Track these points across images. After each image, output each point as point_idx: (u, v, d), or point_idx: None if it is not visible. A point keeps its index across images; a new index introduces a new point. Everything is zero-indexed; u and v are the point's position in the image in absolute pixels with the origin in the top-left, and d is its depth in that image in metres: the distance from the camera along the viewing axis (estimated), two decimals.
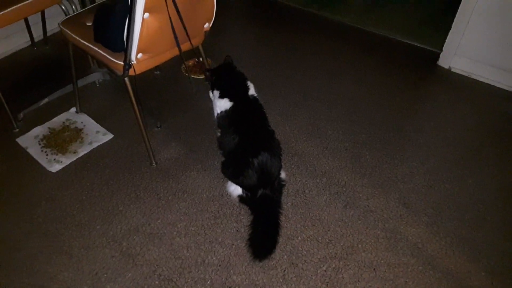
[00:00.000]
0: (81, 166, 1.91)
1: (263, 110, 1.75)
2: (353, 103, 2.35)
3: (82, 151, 1.97)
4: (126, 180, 1.86)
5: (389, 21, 3.13)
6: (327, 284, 1.50)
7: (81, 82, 2.20)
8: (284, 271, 1.54)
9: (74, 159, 1.94)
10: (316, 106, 2.31)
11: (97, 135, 2.06)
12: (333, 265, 1.57)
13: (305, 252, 1.61)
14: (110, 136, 2.06)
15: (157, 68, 2.50)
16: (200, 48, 1.97)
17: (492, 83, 2.47)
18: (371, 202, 1.81)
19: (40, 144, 1.98)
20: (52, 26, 2.67)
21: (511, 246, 1.65)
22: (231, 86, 1.76)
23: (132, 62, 1.58)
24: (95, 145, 2.01)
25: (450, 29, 2.49)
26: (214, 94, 1.76)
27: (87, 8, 1.88)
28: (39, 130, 2.06)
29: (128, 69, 1.60)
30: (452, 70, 2.60)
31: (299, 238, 1.66)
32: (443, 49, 2.59)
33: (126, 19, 1.46)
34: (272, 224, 1.64)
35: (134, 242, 1.61)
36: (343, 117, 2.25)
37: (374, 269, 1.56)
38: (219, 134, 1.82)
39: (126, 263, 1.54)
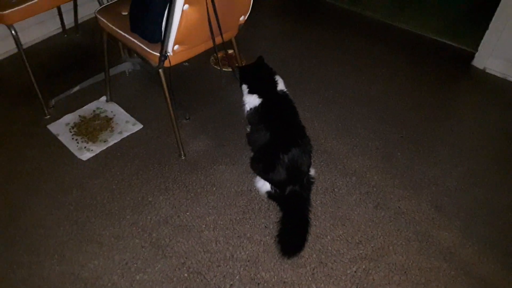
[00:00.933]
0: (111, 155, 1.92)
1: (294, 105, 1.72)
2: (384, 101, 2.31)
3: (112, 140, 1.98)
4: (155, 171, 1.86)
5: (422, 18, 3.05)
6: (357, 285, 1.48)
7: (111, 72, 2.20)
8: (314, 269, 1.53)
9: (104, 148, 1.95)
10: (346, 103, 2.27)
11: (127, 124, 2.07)
12: (363, 266, 1.54)
13: (335, 252, 1.59)
14: (139, 126, 2.06)
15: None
16: (233, 41, 1.95)
17: None
18: (403, 203, 1.77)
19: (71, 132, 2.00)
20: (83, 14, 2.68)
21: None
22: (259, 82, 1.74)
23: (169, 54, 1.57)
24: (125, 134, 2.01)
25: (487, 28, 2.41)
26: (243, 90, 1.73)
27: None
28: (70, 118, 2.07)
29: (163, 61, 1.59)
30: (487, 71, 2.52)
31: (329, 237, 1.64)
32: (478, 49, 2.51)
33: (165, 10, 1.44)
34: (302, 222, 1.62)
35: (164, 233, 1.62)
36: (373, 115, 2.21)
37: (405, 272, 1.53)
38: (248, 130, 1.81)
39: (156, 254, 1.55)
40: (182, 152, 1.92)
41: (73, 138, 1.97)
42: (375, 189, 1.83)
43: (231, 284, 1.47)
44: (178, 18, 1.43)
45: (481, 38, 2.47)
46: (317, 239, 1.62)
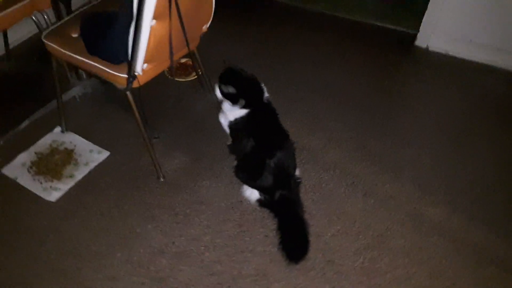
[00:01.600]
0: (82, 191, 1.76)
1: (274, 109, 1.69)
2: (343, 91, 2.36)
3: (80, 174, 1.82)
4: (136, 199, 1.74)
5: (361, 6, 3.16)
6: (368, 276, 1.51)
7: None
8: (323, 269, 1.52)
9: (73, 184, 1.78)
10: (310, 98, 2.29)
11: (91, 154, 1.91)
12: (369, 256, 1.57)
13: (338, 247, 1.60)
14: (106, 153, 1.92)
15: None
16: (196, 51, 1.87)
17: (469, 58, 2.58)
18: (388, 187, 1.83)
19: (30, 172, 1.80)
20: (13, 39, 2.42)
21: None
22: (246, 92, 1.67)
23: (137, 74, 1.46)
24: (92, 165, 1.86)
25: (427, 8, 2.55)
26: (225, 102, 1.65)
27: (68, 18, 1.71)
28: (25, 157, 1.87)
29: (132, 82, 1.48)
30: (430, 49, 2.68)
31: (329, 234, 1.64)
32: (420, 29, 2.66)
33: (129, 28, 1.34)
34: (299, 224, 1.61)
35: (162, 264, 1.52)
36: (337, 106, 2.25)
37: (408, 254, 1.58)
38: (229, 142, 1.76)
39: None
40: (160, 174, 1.81)
41: (34, 179, 1.77)
42: (359, 179, 1.86)
43: None
44: (147, 35, 1.33)
45: (421, 19, 2.62)
46: (318, 238, 1.62)
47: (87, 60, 1.52)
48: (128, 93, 1.56)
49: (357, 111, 2.21)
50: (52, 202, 1.71)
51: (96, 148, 1.94)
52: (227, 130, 1.72)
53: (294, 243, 1.58)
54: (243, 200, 1.75)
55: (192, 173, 1.86)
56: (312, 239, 1.59)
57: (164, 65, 1.62)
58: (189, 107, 2.21)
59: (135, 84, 1.51)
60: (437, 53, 2.66)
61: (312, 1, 3.15)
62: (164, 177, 1.82)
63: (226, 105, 1.62)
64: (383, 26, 2.91)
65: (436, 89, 2.42)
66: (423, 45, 2.69)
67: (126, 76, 1.47)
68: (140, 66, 1.43)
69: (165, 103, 2.23)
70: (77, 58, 1.54)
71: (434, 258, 1.57)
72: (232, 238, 1.61)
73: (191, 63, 2.45)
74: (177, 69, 2.45)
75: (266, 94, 1.64)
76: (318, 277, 1.50)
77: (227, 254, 1.56)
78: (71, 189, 1.76)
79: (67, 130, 2.00)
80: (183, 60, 2.48)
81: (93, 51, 1.50)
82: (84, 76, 2.16)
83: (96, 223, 1.65)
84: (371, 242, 1.62)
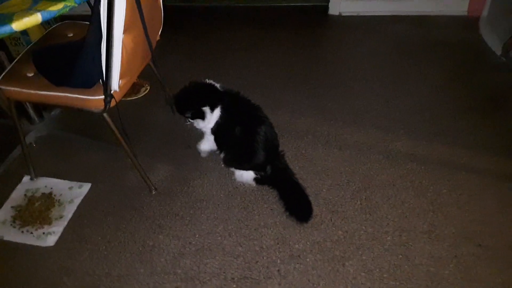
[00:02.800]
0: (78, 226, 1.72)
1: (238, 92, 1.80)
2: (284, 69, 2.55)
3: (69, 212, 1.77)
4: (136, 217, 1.74)
5: None
6: (369, 214, 1.69)
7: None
8: (331, 220, 1.68)
9: (65, 223, 1.73)
10: (259, 82, 2.44)
11: (72, 190, 1.86)
12: (364, 197, 1.76)
13: (336, 198, 1.76)
14: (87, 185, 1.88)
15: None
16: (151, 63, 1.91)
17: (378, 14, 2.91)
18: (356, 137, 2.04)
19: (15, 227, 1.71)
20: None
21: (466, 123, 2.06)
22: (210, 97, 1.74)
23: (114, 91, 1.48)
24: (77, 200, 1.81)
25: None
26: (206, 113, 1.71)
27: (17, 59, 1.65)
28: (3, 215, 1.76)
29: (110, 101, 1.50)
30: (343, 14, 2.97)
31: (324, 190, 1.80)
32: None
33: (100, 46, 1.36)
34: (297, 188, 1.75)
35: (187, 265, 1.56)
36: (286, 83, 2.43)
37: (393, 184, 1.80)
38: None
39: (194, 286, 1.49)
40: (152, 187, 1.83)
41: (23, 231, 1.69)
42: (330, 137, 2.05)
43: (278, 270, 1.52)
44: (120, 49, 1.37)
45: None
46: (317, 196, 1.77)
47: (55, 93, 1.50)
48: (105, 115, 1.57)
49: (303, 82, 2.42)
50: (52, 246, 1.65)
51: (74, 184, 1.89)
52: (210, 137, 1.81)
53: (298, 205, 1.71)
54: (238, 186, 1.84)
55: (181, 177, 1.90)
56: (311, 198, 1.74)
57: (134, 78, 1.65)
58: (153, 120, 2.23)
59: (112, 104, 1.53)
60: (350, 16, 2.97)
61: None
62: (156, 189, 1.84)
63: (201, 122, 1.71)
64: (297, 5, 3.15)
65: (358, 45, 2.73)
66: (336, 12, 2.97)
67: (102, 97, 1.48)
68: (116, 82, 1.46)
69: (127, 124, 2.22)
70: (43, 94, 1.51)
71: (415, 181, 1.81)
72: (243, 221, 1.70)
73: (136, 81, 2.46)
74: None
75: (217, 85, 1.75)
76: (330, 227, 1.65)
77: (243, 236, 1.64)
78: (65, 229, 1.71)
79: (36, 176, 1.92)
80: None
81: (61, 82, 1.48)
82: (36, 119, 2.08)
83: (106, 251, 1.63)
84: (361, 185, 1.81)
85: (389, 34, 2.80)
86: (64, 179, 1.91)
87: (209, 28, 3.01)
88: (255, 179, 1.79)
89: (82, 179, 1.91)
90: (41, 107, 2.13)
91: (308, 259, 1.55)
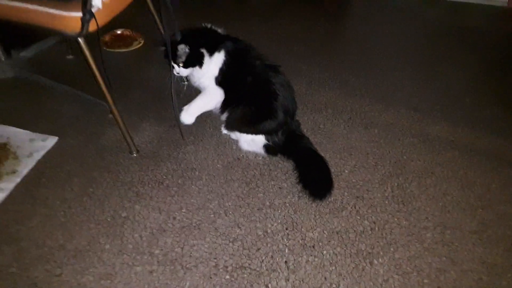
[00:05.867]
0: (34, 185, 1.35)
1: (240, 39, 1.47)
2: (301, 39, 2.22)
3: (24, 168, 1.40)
4: (109, 181, 1.38)
5: None
6: (403, 204, 1.34)
7: None
8: (354, 206, 1.33)
9: (18, 180, 1.36)
10: (279, 49, 2.11)
11: (33, 143, 1.49)
12: (395, 183, 1.41)
13: (361, 182, 1.42)
14: (54, 139, 1.51)
15: (69, 51, 1.96)
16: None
17: None
18: (386, 116, 1.71)
19: None
20: None
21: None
22: (209, 39, 1.43)
23: (97, 8, 1.13)
24: (38, 155, 1.44)
25: None
26: (205, 58, 1.39)
27: None
28: None
29: (89, 21, 1.14)
30: None
31: (346, 171, 1.46)
32: None
33: None
34: (316, 157, 1.41)
35: (169, 244, 1.19)
36: (305, 52, 2.11)
37: (432, 173, 1.46)
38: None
39: (174, 272, 1.13)
40: (133, 148, 1.46)
41: None
42: (354, 113, 1.72)
43: (286, 261, 1.16)
44: None
45: None
46: (337, 177, 1.42)
47: (24, 5, 1.14)
48: (81, 41, 1.21)
49: (322, 55, 2.11)
50: None
51: (37, 136, 1.52)
52: (213, 90, 1.46)
53: (316, 177, 1.37)
54: (241, 157, 1.49)
55: (171, 141, 1.55)
56: None
57: (123, 2, 1.30)
58: (143, 76, 1.88)
59: (92, 27, 1.17)
60: None
61: None
62: (138, 151, 1.48)
63: (198, 71, 1.40)
64: None
65: (385, 25, 2.44)
66: None
67: (80, 14, 1.13)
68: None
69: (112, 76, 1.86)
70: (9, 5, 1.15)
71: (458, 171, 1.47)
72: (244, 197, 1.34)
73: (129, 33, 2.11)
74: (114, 40, 2.10)
75: (219, 29, 1.42)
76: (353, 216, 1.30)
77: (243, 215, 1.29)
78: (17, 187, 1.34)
79: None
80: (119, 31, 2.13)
81: None
82: (1, 56, 1.71)
83: (64, 218, 1.26)
84: (391, 169, 1.47)
85: (420, 17, 2.51)
86: (26, 128, 1.54)
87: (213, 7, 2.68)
88: (266, 147, 1.44)
89: (48, 131, 1.55)
90: (10, 44, 1.76)
91: (325, 251, 1.19)
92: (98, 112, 1.64)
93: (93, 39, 1.26)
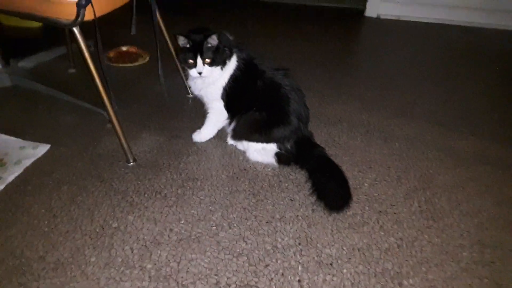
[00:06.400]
0: (18, 193, 1.22)
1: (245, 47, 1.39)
2: (314, 58, 2.15)
3: (10, 175, 1.27)
4: (101, 189, 1.24)
5: None
6: (433, 220, 1.18)
7: None
8: (377, 222, 1.16)
9: (2, 187, 1.23)
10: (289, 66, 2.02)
11: (23, 151, 1.37)
12: (423, 198, 1.25)
13: (384, 196, 1.26)
14: (45, 147, 1.40)
15: (71, 64, 1.89)
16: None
17: (423, 20, 2.55)
18: (406, 129, 1.57)
19: None
20: None
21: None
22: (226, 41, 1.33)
23: None
24: (27, 162, 1.32)
25: None
26: (210, 74, 1.29)
27: None
28: None
29: (85, 6, 1.06)
30: (382, 17, 2.61)
31: (366, 184, 1.30)
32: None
33: None
34: (331, 166, 1.26)
35: (163, 258, 1.03)
36: (316, 69, 2.02)
37: (463, 188, 1.30)
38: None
39: None
40: (130, 156, 1.34)
41: None
42: (372, 126, 1.59)
43: (299, 280, 0.99)
44: None
45: None
46: (356, 191, 1.27)
47: None
48: (76, 31, 1.12)
49: (335, 72, 2.03)
50: None
51: (28, 143, 1.41)
52: (218, 105, 1.36)
53: (332, 188, 1.21)
54: (248, 168, 1.35)
55: (172, 151, 1.42)
56: None
57: None
58: (146, 90, 1.79)
59: (88, 15, 1.09)
60: (390, 20, 2.61)
61: None
62: (135, 160, 1.35)
63: (216, 73, 1.28)
64: (331, 6, 2.83)
65: (399, 46, 2.37)
66: (374, 15, 2.62)
67: (75, 0, 1.05)
68: None
69: (115, 88, 1.77)
70: None
71: (492, 187, 1.31)
72: (250, 210, 1.19)
73: (135, 50, 2.06)
74: (120, 56, 2.04)
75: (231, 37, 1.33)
76: (376, 231, 1.13)
77: (249, 229, 1.13)
78: (0, 194, 1.21)
79: None
80: (124, 48, 2.07)
81: None
82: (0, 65, 1.64)
83: (48, 228, 1.11)
84: (417, 184, 1.31)
85: (434, 39, 2.45)
86: (17, 137, 1.43)
87: (234, 19, 2.65)
88: (277, 155, 1.30)
89: (42, 140, 1.44)
90: (9, 53, 1.70)
91: (345, 270, 1.02)
92: (96, 122, 1.54)
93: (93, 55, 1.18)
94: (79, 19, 1.07)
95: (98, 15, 1.11)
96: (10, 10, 1.12)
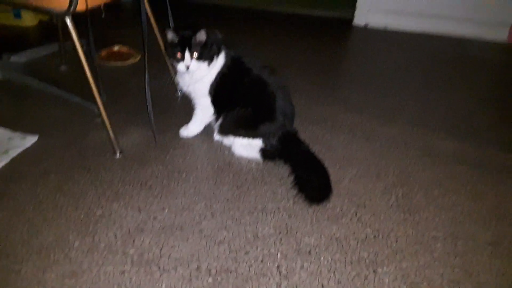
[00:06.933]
0: (3, 180, 1.24)
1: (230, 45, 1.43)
2: (301, 62, 2.20)
3: None
4: (87, 179, 1.26)
5: None
6: (409, 213, 1.22)
7: None
8: (356, 215, 1.20)
9: None
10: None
11: (11, 141, 1.40)
12: (400, 193, 1.29)
13: (363, 190, 1.30)
14: (33, 137, 1.42)
15: (62, 61, 1.92)
16: None
17: (410, 30, 2.63)
18: (388, 130, 1.62)
19: None
20: None
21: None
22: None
23: None
24: (14, 153, 1.35)
25: None
26: (198, 69, 1.32)
27: None
28: None
29: None
30: (369, 26, 2.69)
31: (346, 179, 1.34)
32: (356, 7, 2.67)
33: None
34: (314, 161, 1.31)
35: (146, 244, 1.06)
36: (304, 73, 2.08)
37: (440, 184, 1.35)
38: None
39: (149, 273, 0.98)
40: (117, 148, 1.37)
41: None
42: (354, 126, 1.64)
43: (278, 266, 1.02)
44: None
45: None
46: (337, 185, 1.31)
47: None
48: (68, 20, 1.15)
49: (321, 75, 2.09)
50: None
51: (17, 134, 1.43)
52: (205, 100, 1.40)
53: (313, 181, 1.26)
54: (233, 162, 1.39)
55: (159, 145, 1.45)
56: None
57: None
58: (135, 87, 1.83)
59: (81, 5, 1.13)
60: (377, 29, 2.68)
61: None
62: (122, 152, 1.38)
63: (204, 68, 1.31)
64: (322, 16, 2.90)
65: (385, 54, 2.44)
66: (362, 24, 2.69)
67: None
68: None
69: (105, 85, 1.80)
70: None
71: (468, 184, 1.35)
72: (233, 201, 1.22)
73: (126, 50, 2.10)
74: (111, 56, 2.07)
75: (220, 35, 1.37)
76: (354, 223, 1.17)
77: (232, 218, 1.16)
78: None
79: None
80: (116, 47, 2.11)
81: None
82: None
83: (32, 213, 1.13)
84: (395, 180, 1.35)
85: (421, 48, 2.52)
86: (5, 127, 1.46)
87: (225, 25, 2.71)
88: (262, 151, 1.34)
89: (30, 131, 1.46)
90: (3, 47, 1.73)
91: (322, 258, 1.05)
92: (85, 116, 1.57)
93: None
94: (72, 8, 1.11)
95: (90, 6, 1.15)
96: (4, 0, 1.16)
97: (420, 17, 2.57)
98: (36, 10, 1.14)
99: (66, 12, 1.11)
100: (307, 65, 2.21)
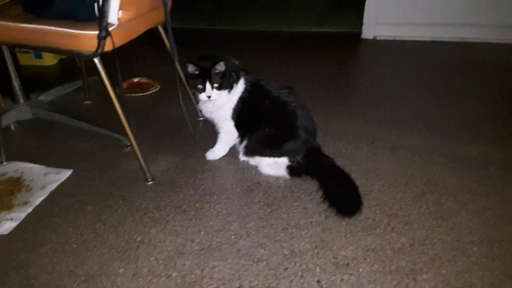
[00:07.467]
0: (45, 215, 1.28)
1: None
2: (315, 80, 2.25)
3: (37, 199, 1.34)
4: (123, 208, 1.31)
5: (299, 17, 3.22)
6: (442, 219, 1.23)
7: None
8: (388, 225, 1.22)
9: (30, 209, 1.30)
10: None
11: (47, 176, 1.45)
12: (430, 201, 1.31)
13: (393, 200, 1.31)
14: (68, 171, 1.47)
15: (86, 96, 2.00)
16: (161, 29, 1.61)
17: (417, 39, 2.67)
18: (410, 140, 1.65)
19: None
20: None
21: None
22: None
23: (112, 27, 1.16)
24: (51, 187, 1.40)
25: (364, 2, 2.65)
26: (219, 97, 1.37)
27: None
28: None
29: (105, 38, 1.16)
30: (378, 38, 2.74)
31: (374, 191, 1.36)
32: (363, 21, 2.72)
33: None
34: (341, 174, 1.34)
35: (187, 267, 1.09)
36: (318, 90, 2.12)
37: (468, 189, 1.36)
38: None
39: None
40: (148, 175, 1.41)
41: None
42: (376, 138, 1.66)
43: (318, 280, 1.04)
44: None
45: (362, 13, 2.70)
46: (367, 197, 1.33)
47: (38, 26, 1.18)
48: (97, 62, 1.22)
49: (336, 90, 2.12)
50: (5, 235, 1.20)
51: (52, 169, 1.49)
52: (228, 124, 1.46)
53: (343, 194, 1.28)
54: (261, 181, 1.42)
55: (187, 169, 1.49)
56: None
57: (142, 24, 1.33)
58: (158, 116, 1.89)
59: (108, 46, 1.19)
60: (385, 40, 2.73)
61: (251, 23, 3.15)
62: (153, 179, 1.43)
63: (225, 96, 1.37)
64: (328, 31, 2.96)
65: (397, 64, 2.47)
66: (370, 37, 2.74)
67: (95, 33, 1.15)
68: (115, 12, 1.14)
69: (130, 115, 1.86)
70: (23, 28, 1.19)
71: (496, 187, 1.36)
72: (266, 219, 1.25)
73: (146, 80, 2.17)
74: (131, 87, 2.14)
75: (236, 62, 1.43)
76: (388, 233, 1.18)
77: (267, 236, 1.18)
78: (29, 216, 1.28)
79: (7, 160, 1.53)
80: (136, 79, 2.19)
81: (43, 7, 1.17)
82: (21, 98, 1.74)
83: (76, 244, 1.17)
84: (424, 187, 1.37)
85: (431, 55, 2.56)
86: (41, 164, 1.52)
87: (233, 49, 2.79)
88: (289, 168, 1.37)
89: (63, 166, 1.51)
90: (29, 88, 1.81)
91: (361, 269, 1.06)
92: (113, 148, 1.62)
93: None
94: (100, 49, 1.17)
95: (117, 44, 1.21)
96: (37, 46, 1.23)
97: (426, 25, 2.62)
98: (67, 53, 1.21)
99: (95, 54, 1.18)
100: (321, 82, 2.25)
